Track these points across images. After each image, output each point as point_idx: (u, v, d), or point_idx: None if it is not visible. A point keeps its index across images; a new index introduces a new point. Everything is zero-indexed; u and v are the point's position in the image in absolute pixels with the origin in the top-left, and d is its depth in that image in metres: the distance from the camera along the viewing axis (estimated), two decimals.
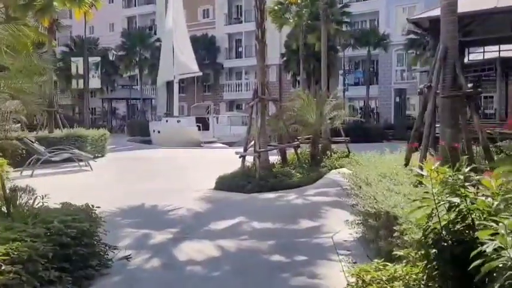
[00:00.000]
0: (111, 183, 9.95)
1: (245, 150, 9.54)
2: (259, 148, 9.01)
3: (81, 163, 12.59)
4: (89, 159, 13.06)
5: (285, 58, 30.52)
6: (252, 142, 9.89)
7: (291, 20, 24.64)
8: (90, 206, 4.70)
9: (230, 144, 21.92)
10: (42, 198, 4.74)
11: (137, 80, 37.34)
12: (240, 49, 37.89)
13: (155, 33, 36.61)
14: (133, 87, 37.54)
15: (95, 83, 17.54)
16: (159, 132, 24.05)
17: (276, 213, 6.89)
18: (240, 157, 9.45)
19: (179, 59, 25.23)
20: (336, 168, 11.72)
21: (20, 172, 11.16)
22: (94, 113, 41.87)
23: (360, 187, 5.17)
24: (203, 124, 21.64)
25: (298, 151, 10.95)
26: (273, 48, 35.29)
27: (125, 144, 22.72)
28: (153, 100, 39.54)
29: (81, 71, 16.61)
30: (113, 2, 43.78)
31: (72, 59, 17.46)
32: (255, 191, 8.60)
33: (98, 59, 17.95)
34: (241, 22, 36.98)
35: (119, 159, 15.56)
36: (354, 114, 12.03)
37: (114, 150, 19.02)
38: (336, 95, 14.61)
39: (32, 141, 12.58)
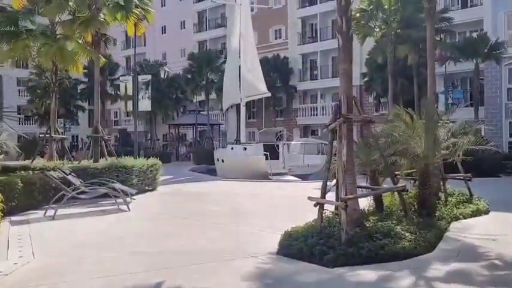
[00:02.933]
0: (136, 237, 7.32)
1: (323, 194, 6.34)
2: (346, 193, 5.77)
3: (119, 200, 10.28)
4: (127, 197, 10.79)
5: (366, 78, 27.03)
6: (334, 181, 6.72)
7: (377, 29, 21.17)
8: None
9: (303, 177, 18.67)
10: None
11: (205, 104, 36.04)
12: (315, 71, 34.95)
13: (225, 57, 35.35)
14: (202, 112, 36.30)
15: (144, 104, 15.68)
16: (223, 161, 21.68)
17: None
18: (316, 205, 6.27)
19: (246, 80, 22.98)
20: (457, 219, 8.06)
21: (45, 212, 9.08)
22: (166, 139, 41.47)
23: None
24: (272, 152, 18.57)
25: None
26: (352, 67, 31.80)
27: (185, 174, 20.62)
28: (221, 126, 37.96)
29: (130, 92, 14.85)
30: (184, 27, 43.97)
31: (121, 78, 15.93)
32: (341, 264, 5.32)
33: (148, 77, 16.17)
34: (315, 41, 34.22)
35: (169, 194, 13.17)
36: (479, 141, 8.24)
37: (170, 182, 16.85)
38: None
39: (66, 173, 10.64)
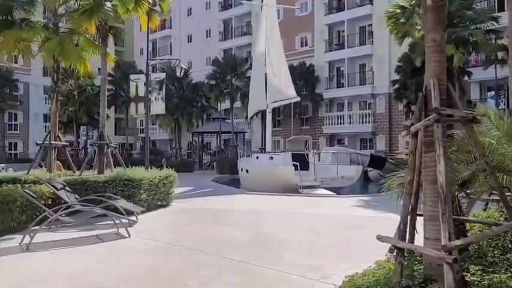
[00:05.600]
0: (127, 284, 5.25)
1: (403, 233, 4.09)
2: (449, 236, 3.51)
3: (120, 220, 8.34)
4: (133, 215, 8.87)
5: (397, 85, 25.10)
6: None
7: (418, 27, 18.74)
8: None
9: (337, 191, 16.34)
10: None
11: (230, 112, 34.36)
12: (341, 79, 33.31)
13: (251, 65, 33.82)
14: (226, 120, 34.62)
15: (158, 107, 13.81)
16: (247, 171, 19.59)
17: None
18: (392, 250, 4.04)
19: (272, 85, 21.00)
20: None
21: (22, 238, 7.18)
22: (190, 147, 40.03)
23: None
24: (302, 162, 16.29)
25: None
26: (380, 75, 30.04)
27: (206, 186, 18.63)
28: (245, 134, 36.16)
29: (142, 93, 13.02)
30: (210, 36, 43.21)
31: (131, 76, 14.11)
32: None
33: (162, 75, 14.27)
34: (343, 48, 32.42)
35: (184, 212, 11.13)
36: None
37: (187, 195, 14.90)
38: None
39: (57, 188, 8.80)
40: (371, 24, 30.91)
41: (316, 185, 16.67)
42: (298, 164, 15.87)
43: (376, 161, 24.00)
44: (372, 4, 30.58)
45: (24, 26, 10.66)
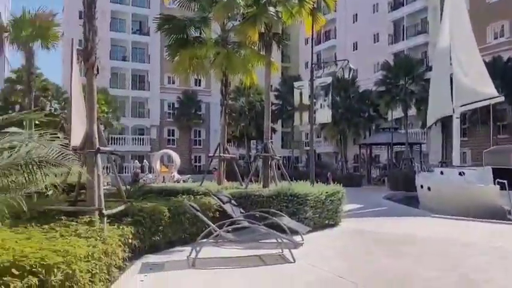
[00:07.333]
0: None
1: None
2: None
3: (283, 240, 7.45)
4: (297, 235, 7.89)
5: None
6: None
7: None
8: None
9: None
10: None
11: (403, 120, 31.03)
12: None
13: (428, 67, 29.93)
14: (398, 130, 31.41)
15: (323, 115, 12.59)
16: (429, 189, 16.67)
17: None
18: None
19: (460, 85, 17.55)
20: None
21: (190, 252, 6.94)
22: (357, 160, 38.14)
23: None
24: (510, 180, 12.63)
25: None
26: None
27: (378, 204, 16.56)
28: (422, 146, 32.04)
29: (306, 101, 12.09)
30: (378, 40, 40.64)
31: (295, 84, 13.26)
32: None
33: (328, 79, 12.97)
34: None
35: (355, 235, 9.58)
36: None
37: (357, 214, 13.27)
38: None
39: (223, 201, 8.52)
40: None
41: None
42: (505, 181, 12.36)
43: None
44: None
45: (196, 44, 11.19)
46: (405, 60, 29.54)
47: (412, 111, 29.53)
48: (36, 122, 10.52)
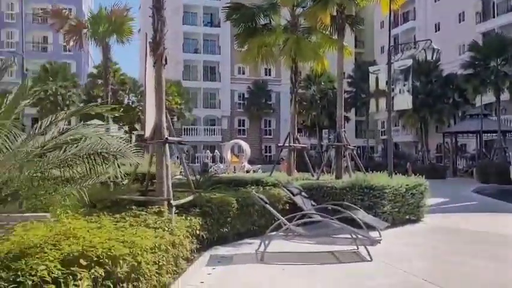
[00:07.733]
0: None
1: None
2: None
3: (359, 236, 6.89)
4: (374, 230, 7.26)
5: None
6: None
7: None
8: None
9: None
10: None
11: (494, 106, 27.91)
12: None
13: None
14: (488, 117, 28.33)
15: (403, 101, 11.44)
16: None
17: None
18: None
19: None
20: None
21: (259, 245, 6.68)
22: (440, 150, 35.33)
23: None
24: None
25: None
26: None
27: (466, 198, 14.99)
28: None
29: (383, 86, 11.09)
30: (463, 19, 37.07)
31: (370, 68, 12.17)
32: None
33: (409, 62, 11.74)
34: None
35: (440, 232, 8.61)
36: None
37: (442, 209, 12.05)
38: None
39: (293, 193, 8.13)
40: None
41: None
42: None
43: None
44: None
45: (265, 32, 10.85)
46: (496, 39, 26.33)
47: (505, 95, 26.37)
48: (116, 115, 11.12)
